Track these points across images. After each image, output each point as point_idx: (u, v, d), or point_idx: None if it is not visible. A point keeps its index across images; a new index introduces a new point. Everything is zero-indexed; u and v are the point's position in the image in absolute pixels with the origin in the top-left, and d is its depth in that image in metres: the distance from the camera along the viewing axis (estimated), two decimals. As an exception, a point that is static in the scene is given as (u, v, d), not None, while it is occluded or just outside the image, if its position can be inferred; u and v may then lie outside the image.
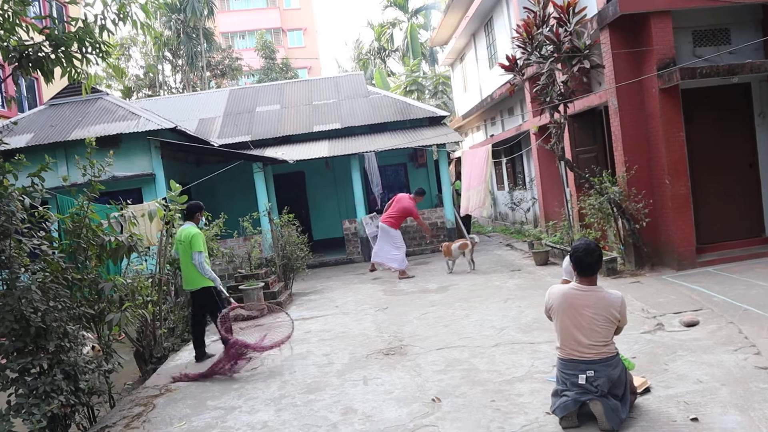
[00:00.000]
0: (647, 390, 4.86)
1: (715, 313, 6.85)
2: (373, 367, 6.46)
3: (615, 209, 9.57)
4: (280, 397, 5.86)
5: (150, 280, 7.87)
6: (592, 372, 4.22)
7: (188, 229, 7.48)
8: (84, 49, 5.70)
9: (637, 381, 4.76)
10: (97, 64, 6.01)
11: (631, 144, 9.68)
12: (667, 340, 6.16)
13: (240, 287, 10.23)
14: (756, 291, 7.56)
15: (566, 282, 4.57)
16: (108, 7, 5.70)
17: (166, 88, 35.62)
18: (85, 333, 6.35)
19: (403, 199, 12.57)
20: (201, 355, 7.65)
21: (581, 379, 4.24)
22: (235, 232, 12.58)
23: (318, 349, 7.53)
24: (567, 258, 4.67)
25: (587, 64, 9.09)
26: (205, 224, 9.94)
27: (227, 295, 7.70)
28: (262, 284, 10.35)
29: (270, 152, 16.18)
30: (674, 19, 9.31)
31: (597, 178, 9.74)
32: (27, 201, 5.41)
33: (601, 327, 4.23)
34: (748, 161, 10.13)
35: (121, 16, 5.81)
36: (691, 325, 6.51)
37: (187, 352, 8.09)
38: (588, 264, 4.25)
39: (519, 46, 9.93)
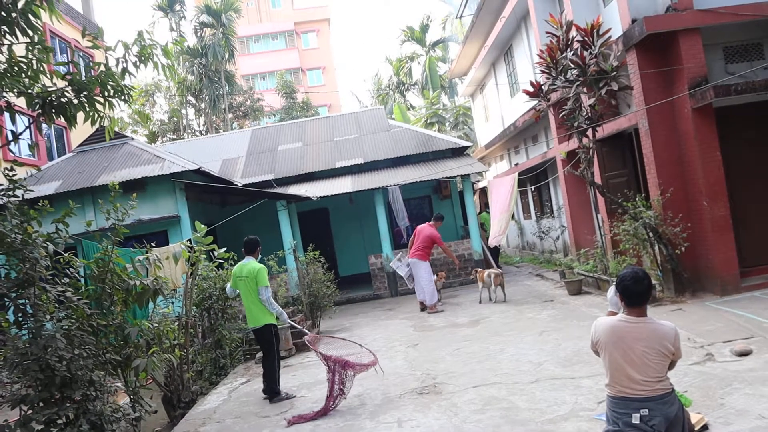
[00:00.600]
0: (705, 428, 4.54)
1: (768, 340, 6.48)
2: (407, 408, 6.20)
3: (651, 234, 9.24)
4: (312, 442, 5.62)
5: (176, 323, 7.72)
6: (647, 411, 3.91)
7: (251, 264, 7.35)
8: (106, 93, 5.67)
9: (694, 418, 4.43)
10: (120, 107, 5.98)
11: (664, 166, 9.39)
12: (720, 371, 5.81)
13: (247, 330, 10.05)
14: (810, 315, 7.17)
15: (612, 314, 4.29)
16: (129, 51, 5.68)
17: (189, 131, 36.16)
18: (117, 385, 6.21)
19: (424, 229, 12.52)
20: (274, 393, 7.25)
21: (635, 419, 3.92)
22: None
23: (349, 391, 7.25)
24: (612, 288, 4.40)
25: (615, 87, 8.90)
26: (231, 264, 9.83)
27: (300, 327, 7.72)
28: (290, 324, 10.14)
29: (293, 190, 16.16)
30: (703, 36, 9.11)
31: (630, 203, 9.44)
32: (51, 247, 5.33)
33: (654, 361, 3.93)
34: (789, 179, 9.77)
35: (143, 58, 5.79)
36: (744, 354, 6.14)
37: (216, 396, 7.89)
38: (637, 294, 3.97)
39: (543, 72, 9.79)
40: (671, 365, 4.08)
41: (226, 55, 33.96)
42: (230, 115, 35.83)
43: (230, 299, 9.77)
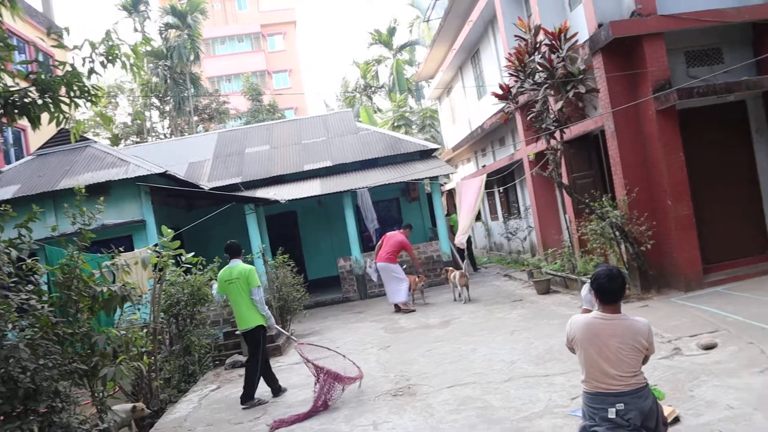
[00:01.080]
0: (677, 419, 4.63)
1: (732, 334, 6.64)
2: (382, 411, 6.17)
3: (617, 233, 9.41)
4: (287, 447, 5.56)
5: (145, 330, 7.56)
6: (623, 405, 3.96)
7: (240, 266, 7.35)
8: (72, 94, 5.52)
9: (666, 410, 4.51)
10: (86, 108, 5.82)
11: (630, 167, 9.58)
12: (687, 364, 5.93)
13: (237, 332, 9.90)
14: (771, 309, 7.38)
15: (587, 311, 4.32)
16: (96, 50, 5.54)
17: (153, 134, 35.56)
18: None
19: (394, 235, 12.80)
20: (248, 397, 7.17)
21: (611, 413, 3.97)
22: (212, 279, 12.28)
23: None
24: (586, 286, 4.44)
25: (582, 89, 9.05)
26: (199, 269, 9.69)
27: (287, 333, 7.76)
28: (277, 328, 10.03)
29: (261, 193, 16.01)
30: (667, 41, 9.33)
31: (597, 203, 9.60)
32: (14, 253, 5.15)
33: (628, 357, 3.98)
34: (747, 178, 10.06)
35: (110, 57, 5.65)
36: (710, 347, 6.29)
37: (186, 404, 7.74)
38: (612, 291, 4.02)
39: (512, 74, 9.90)
40: (645, 360, 4.15)
41: (192, 57, 33.53)
42: (196, 118, 35.36)
43: (198, 305, 9.63)
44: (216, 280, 7.79)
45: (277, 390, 7.39)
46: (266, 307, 7.32)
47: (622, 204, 9.50)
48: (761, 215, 10.12)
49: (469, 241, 17.52)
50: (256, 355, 7.22)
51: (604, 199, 9.65)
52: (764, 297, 8.04)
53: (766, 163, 10.14)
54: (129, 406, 6.63)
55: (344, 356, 7.27)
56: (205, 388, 8.44)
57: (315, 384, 6.66)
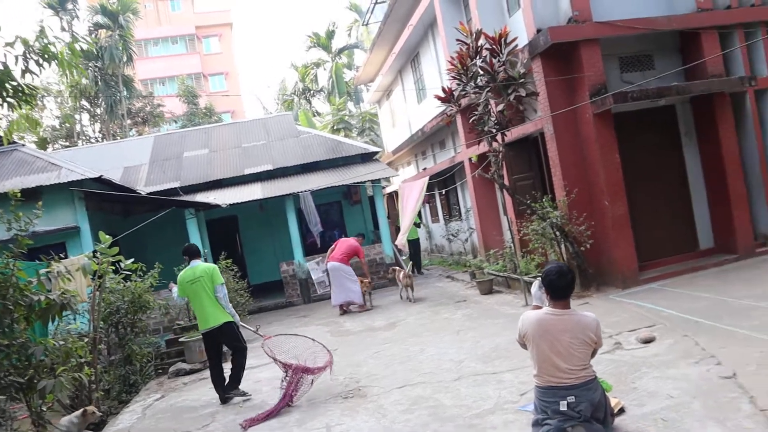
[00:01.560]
0: (622, 410, 4.79)
1: (668, 327, 6.95)
2: (335, 413, 6.14)
3: (558, 233, 9.69)
4: (239, 454, 5.45)
5: (85, 339, 7.27)
6: (573, 397, 4.10)
7: (202, 265, 7.33)
8: (5, 94, 5.26)
9: (612, 402, 4.67)
10: (21, 108, 5.55)
11: (569, 168, 9.89)
12: (628, 358, 6.16)
13: (180, 339, 9.68)
14: (702, 303, 7.76)
15: (537, 308, 4.45)
16: (30, 48, 5.31)
17: (84, 138, 34.21)
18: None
19: (348, 240, 13.00)
20: (225, 398, 7.22)
21: (563, 406, 4.10)
22: (171, 282, 11.93)
23: (272, 398, 7.10)
24: (536, 283, 4.57)
25: (523, 93, 9.27)
26: (139, 276, 9.40)
27: (253, 329, 7.62)
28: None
29: (201, 197, 15.67)
30: (602, 47, 9.70)
31: (538, 204, 9.86)
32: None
33: (578, 351, 4.12)
34: (678, 179, 10.57)
35: (46, 56, 5.42)
36: (648, 341, 6.56)
37: (129, 414, 7.48)
38: (561, 287, 4.16)
39: (454, 78, 10.04)
40: (593, 353, 4.30)
41: (124, 59, 32.43)
42: (129, 121, 34.27)
43: (139, 312, 9.35)
44: (176, 283, 7.61)
45: (224, 400, 7.25)
46: (230, 304, 7.29)
47: (562, 204, 9.79)
48: (691, 215, 10.65)
49: (417, 244, 17.66)
50: (240, 347, 7.24)
51: (544, 200, 9.92)
52: (695, 292, 8.45)
53: (695, 165, 10.68)
54: (79, 411, 6.34)
55: (313, 340, 7.25)
56: (149, 397, 8.18)
57: (282, 380, 6.67)
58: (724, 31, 10.32)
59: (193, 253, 7.54)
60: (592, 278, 9.80)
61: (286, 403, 6.52)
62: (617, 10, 9.83)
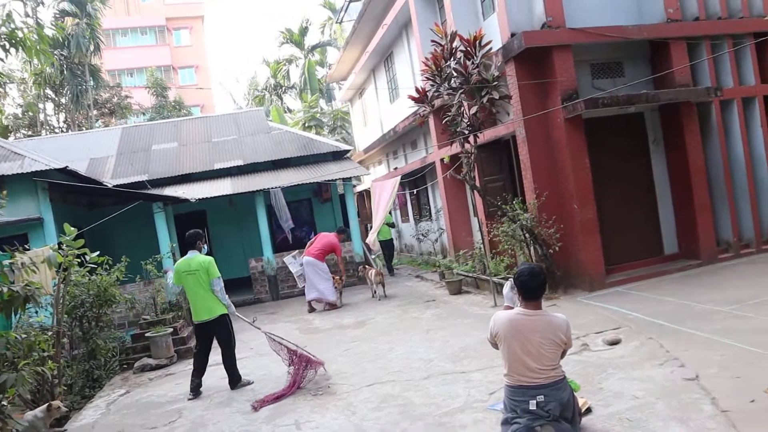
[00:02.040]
0: (589, 410, 4.88)
1: (633, 330, 7.10)
2: (304, 410, 6.12)
3: (527, 235, 9.81)
4: (206, 451, 5.39)
5: (49, 333, 7.11)
6: (542, 397, 4.16)
7: (198, 257, 7.36)
8: (-29, 78, 5.11)
9: (579, 402, 4.76)
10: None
11: (539, 172, 10.02)
12: (595, 359, 6.28)
13: (146, 334, 9.53)
14: (666, 307, 7.95)
15: (509, 308, 4.50)
16: (-2, 33, 5.17)
17: (48, 127, 33.37)
18: None
19: (328, 236, 12.97)
20: (235, 379, 7.42)
21: (532, 405, 4.16)
22: (138, 276, 11.75)
23: (240, 395, 7.07)
24: (508, 284, 4.63)
25: (496, 95, 9.36)
26: (105, 269, 9.23)
27: (250, 320, 7.73)
28: (171, 330, 9.70)
29: (169, 191, 15.43)
30: (574, 53, 9.86)
31: (509, 206, 9.97)
32: None
33: (549, 351, 4.18)
34: (645, 185, 10.80)
35: (13, 41, 5.29)
36: (614, 343, 6.69)
37: (93, 410, 7.33)
38: (533, 288, 4.21)
39: (428, 79, 10.09)
40: (563, 354, 4.37)
41: (91, 48, 31.72)
42: (95, 112, 33.54)
43: (105, 306, 9.18)
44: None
45: (195, 388, 7.31)
46: (227, 296, 7.40)
47: (532, 207, 9.92)
48: (657, 221, 10.90)
49: (391, 244, 17.64)
50: (230, 341, 7.38)
51: (515, 202, 10.04)
52: (660, 296, 8.66)
53: (662, 172, 10.93)
54: (44, 406, 6.19)
55: (297, 346, 7.41)
56: (113, 393, 8.03)
57: (289, 366, 7.01)
58: (692, 42, 10.59)
59: (191, 242, 7.57)
60: (560, 281, 9.95)
61: (295, 386, 6.82)
62: (590, 17, 10.00)
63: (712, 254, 10.48)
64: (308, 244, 12.99)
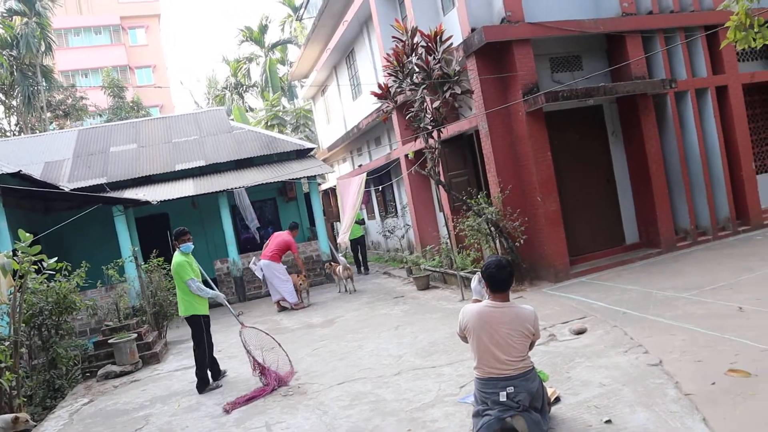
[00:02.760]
0: (558, 399, 4.95)
1: (598, 319, 7.22)
2: (274, 411, 6.07)
3: (493, 229, 9.90)
4: (175, 457, 5.29)
5: (6, 343, 6.89)
6: (512, 388, 4.20)
7: (175, 259, 7.54)
8: None
9: (549, 391, 4.82)
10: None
11: (503, 165, 10.12)
12: (562, 349, 6.37)
13: (110, 341, 9.31)
14: (629, 295, 8.12)
15: (477, 301, 4.53)
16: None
17: (-2, 131, 32.38)
18: None
19: (281, 234, 12.92)
20: (203, 382, 7.41)
21: (502, 396, 4.20)
22: (99, 281, 11.48)
23: (208, 399, 6.98)
24: (476, 277, 4.66)
25: (458, 90, 9.41)
26: (64, 276, 8.97)
27: (236, 313, 7.78)
28: (135, 335, 9.49)
29: (129, 194, 15.11)
30: (534, 47, 9.98)
31: (474, 200, 10.04)
32: None
33: (517, 342, 4.23)
34: (606, 177, 11.00)
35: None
36: (580, 332, 6.80)
37: (55, 421, 7.13)
38: (501, 280, 4.25)
39: (390, 74, 10.08)
40: (531, 345, 4.42)
41: (42, 48, 30.75)
42: (49, 114, 32.59)
43: (65, 314, 8.92)
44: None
45: (203, 383, 7.40)
46: (208, 290, 7.54)
47: (497, 201, 10.01)
48: (618, 211, 11.12)
49: (362, 241, 17.55)
50: (199, 341, 7.45)
51: (479, 196, 10.11)
52: (623, 285, 8.84)
53: (621, 163, 11.15)
54: (10, 416, 5.99)
55: (283, 348, 7.51)
56: (76, 402, 7.82)
57: (254, 371, 7.08)
58: (646, 35, 10.82)
59: (176, 239, 7.67)
60: (526, 273, 10.07)
61: (271, 387, 6.80)
62: (548, 12, 10.14)
63: (671, 243, 10.75)
64: (264, 246, 12.96)
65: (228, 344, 9.78)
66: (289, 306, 12.44)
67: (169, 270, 11.76)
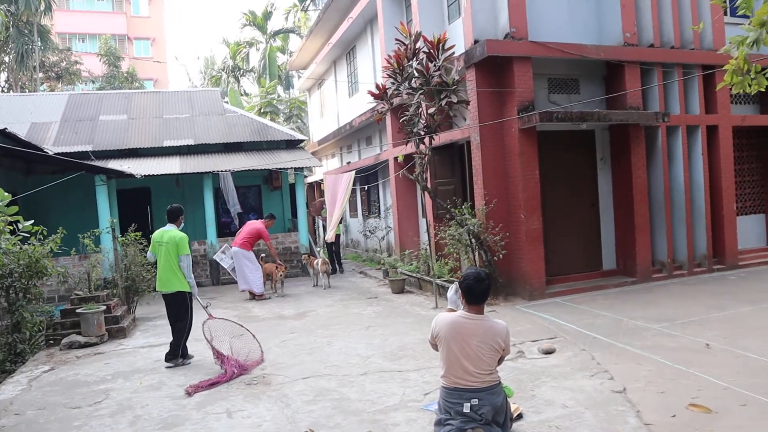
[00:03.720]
0: (520, 416, 4.98)
1: (568, 341, 7.28)
2: (236, 399, 6.03)
3: (473, 240, 9.94)
4: (132, 434, 5.23)
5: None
6: (477, 400, 4.21)
7: (172, 231, 7.55)
8: None
9: (512, 408, 4.84)
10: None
11: (490, 179, 10.17)
12: (529, 367, 6.41)
13: (77, 310, 9.19)
14: (601, 321, 8.20)
15: (452, 311, 4.54)
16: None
17: (-14, 86, 31.85)
18: None
19: (254, 223, 12.87)
20: (173, 354, 7.56)
21: (466, 408, 4.20)
22: (73, 249, 11.32)
23: (171, 379, 6.91)
24: (453, 287, 4.67)
25: (454, 99, 9.44)
26: (39, 239, 8.85)
27: (204, 304, 7.66)
28: (104, 307, 9.38)
29: (114, 164, 14.95)
30: (534, 65, 10.04)
31: (458, 210, 10.08)
32: None
33: (486, 356, 4.24)
34: (590, 201, 11.10)
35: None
36: (549, 352, 6.84)
37: (12, 385, 7.02)
38: (478, 293, 4.26)
39: (389, 76, 10.08)
40: (500, 360, 4.44)
41: (42, 7, 30.29)
42: (41, 75, 32.12)
43: (35, 278, 8.80)
44: None
45: (175, 354, 7.56)
46: (192, 275, 7.56)
47: (481, 213, 10.05)
48: (598, 236, 11.23)
49: (338, 240, 17.47)
50: (184, 317, 7.54)
51: (464, 206, 10.14)
52: (596, 310, 8.93)
53: (606, 190, 11.27)
54: None
55: (254, 335, 7.63)
56: (36, 369, 7.71)
57: (217, 360, 7.04)
58: (645, 66, 10.94)
59: (172, 217, 7.79)
60: (502, 288, 10.12)
61: (235, 376, 6.76)
62: (552, 32, 10.22)
63: (647, 273, 10.87)
64: (237, 233, 12.90)
65: (194, 327, 9.69)
66: (256, 296, 12.35)
67: (146, 246, 11.72)
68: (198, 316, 7.71)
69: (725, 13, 11.63)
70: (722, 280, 10.93)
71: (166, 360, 7.50)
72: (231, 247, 12.71)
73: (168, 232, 7.53)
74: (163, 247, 7.48)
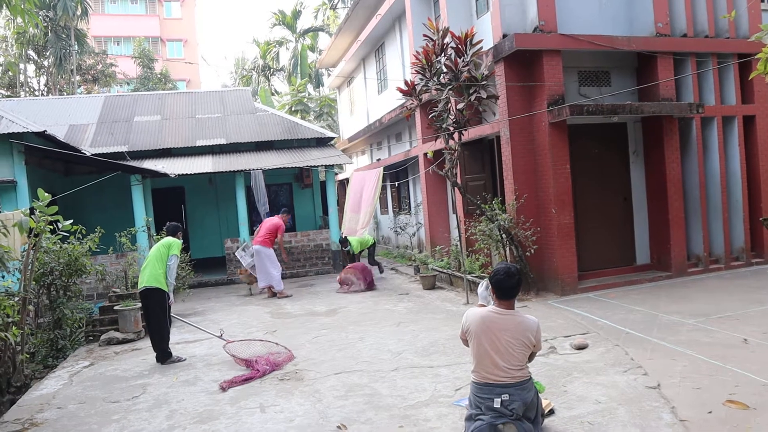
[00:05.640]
0: (552, 412, 4.95)
1: (601, 336, 7.21)
2: (269, 394, 6.12)
3: (504, 236, 9.89)
4: (169, 428, 5.35)
5: (15, 298, 6.99)
6: (507, 396, 4.20)
7: (169, 239, 8.00)
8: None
9: (543, 403, 4.82)
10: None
11: (520, 173, 10.10)
12: (561, 362, 6.37)
13: (115, 308, 9.43)
14: (634, 316, 8.09)
15: (482, 306, 4.54)
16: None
17: (27, 89, 32.70)
18: None
19: (272, 219, 12.97)
20: (164, 355, 7.73)
21: (497, 403, 4.20)
22: (110, 248, 11.61)
23: (206, 374, 7.04)
24: (483, 283, 4.67)
25: (484, 94, 9.40)
26: (78, 238, 9.10)
27: (218, 334, 8.02)
28: (140, 305, 9.59)
29: (149, 164, 15.24)
30: (563, 59, 9.92)
31: (488, 205, 10.03)
32: None
33: (517, 351, 4.23)
34: (623, 195, 10.94)
35: None
36: (581, 347, 6.79)
37: (54, 380, 7.25)
38: (508, 287, 4.25)
39: (418, 72, 10.08)
40: (531, 356, 4.42)
41: (79, 12, 31.04)
42: (78, 78, 32.91)
43: (75, 276, 9.05)
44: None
45: (165, 355, 7.73)
46: (174, 277, 7.85)
47: (511, 208, 10.00)
48: (631, 230, 11.06)
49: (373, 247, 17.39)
50: (158, 316, 7.68)
51: (494, 202, 10.10)
52: (628, 305, 8.81)
53: (639, 183, 11.09)
54: None
55: (277, 343, 7.73)
56: (77, 364, 7.94)
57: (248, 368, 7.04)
58: (678, 57, 10.73)
59: (168, 232, 8.24)
60: (533, 283, 10.05)
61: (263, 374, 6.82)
62: (581, 24, 10.09)
63: (682, 267, 10.68)
64: (256, 231, 13.00)
65: (229, 323, 9.87)
66: (277, 293, 12.45)
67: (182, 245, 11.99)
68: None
69: (761, 0, 11.33)
70: (761, 273, 10.67)
71: (160, 362, 7.69)
72: (252, 245, 12.82)
73: (163, 241, 7.97)
74: (154, 249, 7.91)
